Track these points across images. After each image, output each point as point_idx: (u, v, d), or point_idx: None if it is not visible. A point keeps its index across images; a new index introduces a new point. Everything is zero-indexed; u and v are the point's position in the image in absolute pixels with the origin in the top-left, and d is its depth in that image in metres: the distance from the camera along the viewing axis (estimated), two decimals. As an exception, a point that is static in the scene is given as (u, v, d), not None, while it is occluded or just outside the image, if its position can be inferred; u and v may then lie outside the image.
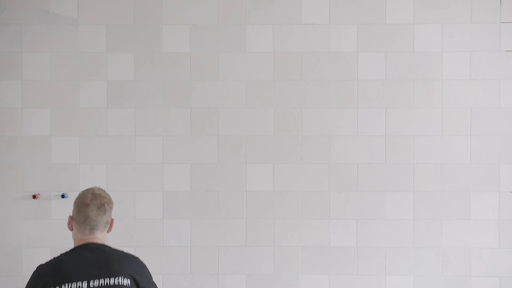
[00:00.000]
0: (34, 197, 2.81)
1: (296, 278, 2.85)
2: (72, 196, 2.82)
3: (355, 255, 2.84)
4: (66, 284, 1.69)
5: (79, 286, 1.69)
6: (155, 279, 2.84)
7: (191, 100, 2.84)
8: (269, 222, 2.84)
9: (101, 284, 1.70)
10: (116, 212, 2.85)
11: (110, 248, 1.92)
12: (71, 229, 1.94)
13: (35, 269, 1.82)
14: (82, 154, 2.84)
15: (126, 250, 2.84)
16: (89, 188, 1.99)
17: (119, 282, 1.72)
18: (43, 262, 1.87)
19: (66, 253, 1.87)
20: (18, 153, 2.84)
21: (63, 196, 2.82)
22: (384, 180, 2.83)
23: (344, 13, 2.85)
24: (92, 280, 1.71)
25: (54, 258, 1.83)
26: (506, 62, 2.82)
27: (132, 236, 2.85)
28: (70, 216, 1.94)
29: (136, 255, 2.83)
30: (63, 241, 2.83)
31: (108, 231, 1.98)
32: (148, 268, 1.98)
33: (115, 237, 2.85)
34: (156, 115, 2.85)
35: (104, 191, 2.01)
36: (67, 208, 2.84)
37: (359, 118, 2.83)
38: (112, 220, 1.99)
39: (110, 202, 1.98)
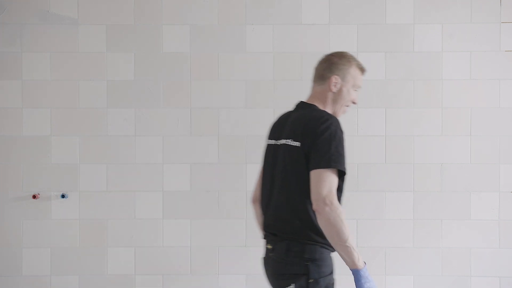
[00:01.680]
0: (34, 197, 2.81)
1: (296, 278, 2.84)
2: (72, 196, 2.83)
3: (355, 255, 2.83)
4: (267, 141, 1.96)
5: (269, 143, 1.92)
6: (155, 279, 2.85)
7: (191, 100, 2.84)
8: (269, 222, 2.84)
9: (279, 143, 1.84)
10: (116, 212, 2.86)
11: (307, 109, 1.86)
12: None
13: None
14: (82, 154, 2.84)
15: (126, 250, 2.86)
16: None
17: (289, 143, 1.79)
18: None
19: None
20: (18, 153, 2.84)
21: (63, 196, 2.81)
22: (384, 180, 2.83)
23: (344, 13, 2.85)
24: (274, 140, 1.88)
25: None
26: (506, 62, 2.82)
27: (132, 236, 2.86)
28: None
29: (136, 255, 2.85)
30: (63, 241, 2.84)
31: (329, 89, 1.86)
32: (334, 136, 1.74)
33: (115, 237, 2.85)
34: (156, 115, 2.85)
35: (346, 56, 1.91)
36: (67, 208, 2.84)
37: (359, 118, 2.83)
38: (332, 77, 1.84)
39: (339, 60, 1.87)
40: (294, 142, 1.76)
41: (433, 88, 2.83)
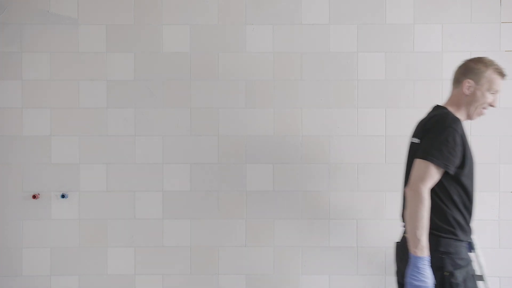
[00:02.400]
0: (34, 197, 2.81)
1: (296, 278, 2.85)
2: (72, 196, 2.84)
3: (355, 255, 2.84)
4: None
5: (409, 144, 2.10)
6: (155, 279, 2.85)
7: (191, 100, 2.84)
8: (269, 222, 2.85)
9: (411, 142, 2.06)
10: (116, 212, 2.86)
11: (436, 111, 2.03)
12: None
13: None
14: (82, 154, 2.84)
15: (126, 250, 2.86)
16: None
17: (413, 141, 2.02)
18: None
19: None
20: (18, 153, 2.84)
21: (63, 196, 2.82)
22: (384, 180, 2.83)
23: (344, 13, 2.85)
24: (411, 140, 2.07)
25: None
26: (506, 62, 2.82)
27: (132, 236, 2.86)
28: None
29: (136, 255, 2.85)
30: (63, 241, 2.84)
31: (463, 92, 2.01)
32: (441, 133, 1.87)
33: (115, 237, 2.85)
34: (156, 115, 2.85)
35: (483, 60, 2.02)
36: (67, 208, 2.84)
37: (359, 118, 2.84)
38: (465, 81, 1.99)
39: (475, 65, 1.99)
40: (416, 139, 1.97)
41: (433, 88, 2.83)
